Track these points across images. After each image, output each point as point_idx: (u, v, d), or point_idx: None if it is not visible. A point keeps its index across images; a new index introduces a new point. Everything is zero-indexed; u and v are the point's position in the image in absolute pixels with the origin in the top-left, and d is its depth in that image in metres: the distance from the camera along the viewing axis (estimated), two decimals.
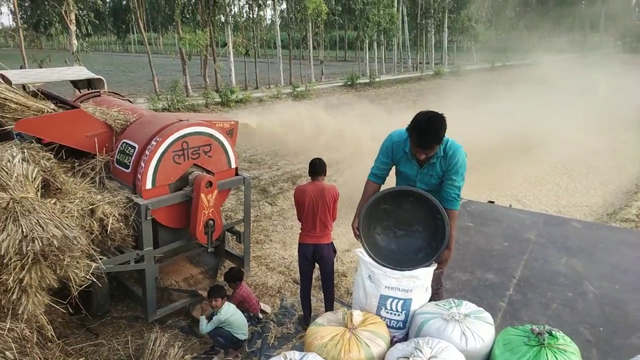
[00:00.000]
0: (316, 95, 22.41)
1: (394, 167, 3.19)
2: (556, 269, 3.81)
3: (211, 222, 4.45)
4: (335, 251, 4.64)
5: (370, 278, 2.48)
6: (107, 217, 3.97)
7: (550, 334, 2.20)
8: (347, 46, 51.73)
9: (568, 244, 4.20)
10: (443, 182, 2.92)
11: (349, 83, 25.42)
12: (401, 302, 2.46)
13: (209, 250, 4.65)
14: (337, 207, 4.45)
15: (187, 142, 4.35)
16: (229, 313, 4.29)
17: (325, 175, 4.49)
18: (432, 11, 34.64)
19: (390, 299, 2.46)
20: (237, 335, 4.31)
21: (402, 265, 2.63)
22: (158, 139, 4.19)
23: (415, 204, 2.81)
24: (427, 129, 2.69)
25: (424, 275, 2.51)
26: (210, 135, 4.54)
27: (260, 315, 4.88)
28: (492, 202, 5.28)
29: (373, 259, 2.64)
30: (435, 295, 3.03)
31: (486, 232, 4.44)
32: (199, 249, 5.01)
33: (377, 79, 27.34)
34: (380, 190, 3.07)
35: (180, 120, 4.42)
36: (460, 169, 2.86)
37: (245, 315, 4.64)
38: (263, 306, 5.00)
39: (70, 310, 3.93)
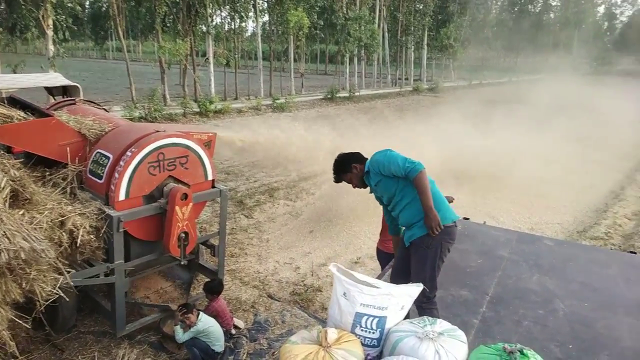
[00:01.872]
0: (296, 107, 22.47)
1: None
2: (528, 287, 3.86)
3: (185, 235, 4.38)
4: None
5: (346, 295, 2.47)
6: (78, 229, 3.86)
7: (521, 352, 2.22)
8: (328, 60, 52.15)
9: (540, 261, 4.27)
10: (392, 175, 3.16)
11: (328, 96, 25.57)
12: (376, 319, 2.45)
13: (182, 263, 4.57)
14: None
15: (163, 153, 4.29)
16: (209, 324, 4.23)
17: None
18: (412, 28, 35.26)
19: (366, 317, 2.44)
20: (214, 347, 4.24)
21: None
22: (133, 149, 4.13)
23: None
24: (333, 165, 3.42)
25: (400, 293, 2.51)
26: (187, 147, 4.49)
27: (233, 331, 4.81)
28: (467, 219, 5.34)
29: None
30: (420, 310, 3.03)
31: (460, 249, 4.47)
32: (172, 263, 4.92)
33: (357, 93, 27.58)
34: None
35: (157, 131, 4.36)
36: (385, 160, 3.14)
37: None
38: (236, 321, 4.93)
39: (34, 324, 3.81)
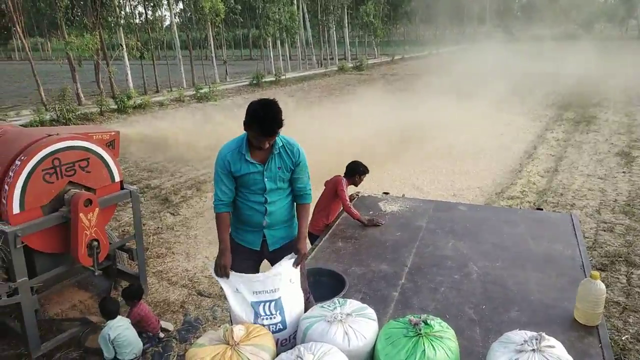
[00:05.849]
0: (221, 96, 21.93)
1: None
2: (444, 253, 3.97)
3: (95, 242, 4.13)
4: None
5: (238, 290, 2.42)
6: None
7: (425, 323, 2.25)
8: (251, 45, 51.28)
9: (455, 227, 4.41)
10: (294, 178, 2.96)
11: (254, 82, 25.16)
12: (272, 303, 2.44)
13: (96, 273, 4.31)
14: None
15: (58, 158, 3.98)
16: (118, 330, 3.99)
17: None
18: (332, 7, 35.30)
19: (262, 304, 2.41)
20: (120, 355, 4.03)
21: None
22: (23, 157, 3.79)
23: None
24: (267, 115, 2.67)
25: (285, 269, 2.54)
26: (87, 149, 4.19)
27: (162, 335, 4.63)
28: (387, 193, 5.42)
29: None
30: (307, 304, 3.01)
31: (381, 224, 4.54)
32: (86, 273, 4.63)
33: (283, 77, 27.34)
34: None
35: (49, 135, 4.03)
36: (304, 159, 2.95)
37: (144, 336, 4.39)
38: (164, 324, 4.74)
39: None
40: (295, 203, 3.09)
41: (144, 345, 4.30)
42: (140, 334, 4.32)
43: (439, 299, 3.39)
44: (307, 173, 2.99)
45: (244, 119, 2.74)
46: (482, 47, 39.46)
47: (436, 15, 54.95)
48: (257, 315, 2.41)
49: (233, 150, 2.85)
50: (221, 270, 2.67)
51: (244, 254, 3.05)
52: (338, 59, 37.35)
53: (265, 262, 3.18)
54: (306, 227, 2.98)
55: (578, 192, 8.10)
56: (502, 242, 4.14)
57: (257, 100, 2.75)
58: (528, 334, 2.20)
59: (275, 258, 2.88)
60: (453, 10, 55.84)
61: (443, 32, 62.31)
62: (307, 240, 3.11)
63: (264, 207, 2.93)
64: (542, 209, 5.32)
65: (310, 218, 3.05)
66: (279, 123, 2.69)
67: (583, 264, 3.73)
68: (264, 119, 2.65)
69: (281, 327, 2.45)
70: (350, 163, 4.91)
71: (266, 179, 2.87)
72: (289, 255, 2.73)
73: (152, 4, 23.36)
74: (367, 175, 4.99)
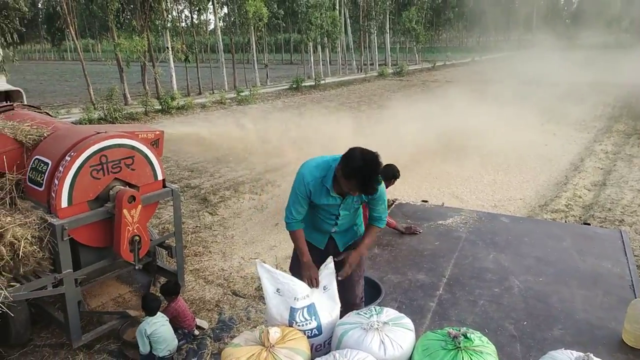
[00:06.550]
0: (261, 99, 22.20)
1: None
2: (484, 266, 3.86)
3: (137, 238, 4.23)
4: None
5: (279, 292, 2.42)
6: (19, 241, 3.68)
7: (465, 336, 2.18)
8: (292, 49, 51.75)
9: (496, 239, 4.29)
10: (370, 207, 3.02)
11: (294, 86, 25.35)
12: (306, 308, 2.45)
13: (136, 267, 4.43)
14: None
15: (106, 155, 4.12)
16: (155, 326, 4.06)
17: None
18: (374, 13, 35.20)
19: (299, 310, 2.41)
20: (155, 351, 4.09)
21: None
22: (72, 153, 3.93)
23: None
24: (372, 175, 2.54)
25: (322, 276, 2.58)
26: (132, 147, 4.32)
27: (196, 332, 4.70)
28: (426, 202, 5.34)
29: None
30: (355, 307, 2.99)
31: (418, 232, 4.46)
32: (127, 267, 4.76)
33: (323, 81, 27.43)
34: None
35: (98, 133, 4.17)
36: (382, 193, 2.96)
37: (179, 332, 4.47)
38: (199, 322, 4.81)
39: None
40: (361, 211, 3.20)
41: (179, 341, 4.38)
42: (175, 329, 4.40)
43: (477, 313, 3.30)
44: (383, 204, 3.00)
45: (343, 166, 2.59)
46: (528, 54, 38.40)
47: (480, 21, 53.93)
48: (293, 320, 2.41)
49: (316, 179, 2.77)
50: (313, 282, 2.68)
51: (310, 250, 3.07)
52: (378, 65, 37.17)
53: None
54: (367, 246, 3.08)
55: (628, 208, 7.73)
56: (545, 256, 4.00)
57: (360, 152, 2.58)
58: (574, 354, 2.11)
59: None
60: (498, 17, 54.63)
61: (487, 38, 61.11)
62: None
63: (335, 222, 3.03)
64: (589, 224, 5.10)
65: (374, 236, 3.20)
66: (380, 182, 2.67)
67: (633, 284, 3.55)
68: (368, 179, 2.54)
69: (317, 332, 2.44)
70: (384, 167, 4.79)
71: (342, 210, 2.93)
72: (328, 264, 2.73)
73: (197, 9, 23.96)
74: (398, 180, 4.87)
